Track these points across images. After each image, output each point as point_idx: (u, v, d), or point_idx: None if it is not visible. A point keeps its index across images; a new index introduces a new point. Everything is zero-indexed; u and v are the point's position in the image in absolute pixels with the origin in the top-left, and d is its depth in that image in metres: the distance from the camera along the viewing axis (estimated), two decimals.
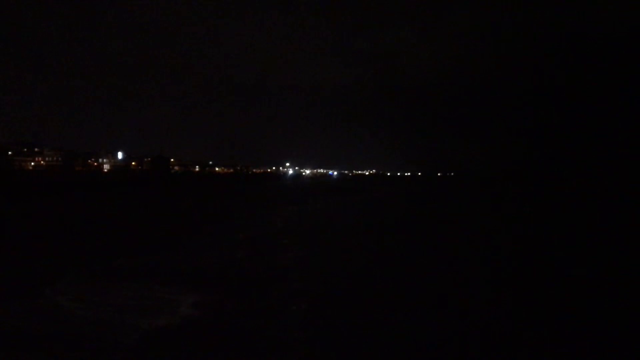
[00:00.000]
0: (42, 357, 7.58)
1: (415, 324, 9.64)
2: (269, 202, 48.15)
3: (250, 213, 34.64)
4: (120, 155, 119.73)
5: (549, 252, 19.20)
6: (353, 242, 21.09)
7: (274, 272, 14.28)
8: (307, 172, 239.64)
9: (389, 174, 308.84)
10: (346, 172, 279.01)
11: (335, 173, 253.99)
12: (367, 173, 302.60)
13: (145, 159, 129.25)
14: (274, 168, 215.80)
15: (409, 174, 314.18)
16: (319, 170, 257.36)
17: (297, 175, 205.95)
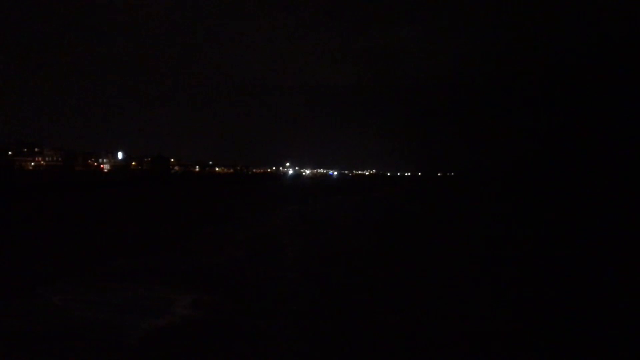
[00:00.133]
0: (42, 357, 7.55)
1: (415, 327, 9.62)
2: (269, 202, 48.17)
3: (251, 213, 34.64)
4: (120, 155, 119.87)
5: (549, 252, 19.19)
6: (353, 243, 21.09)
7: (274, 271, 14.27)
8: (307, 172, 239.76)
9: (389, 174, 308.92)
10: (346, 172, 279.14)
11: (335, 173, 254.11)
12: (367, 173, 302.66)
13: (145, 159, 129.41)
14: (274, 168, 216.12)
15: (409, 174, 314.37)
16: (319, 170, 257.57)
17: (297, 175, 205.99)
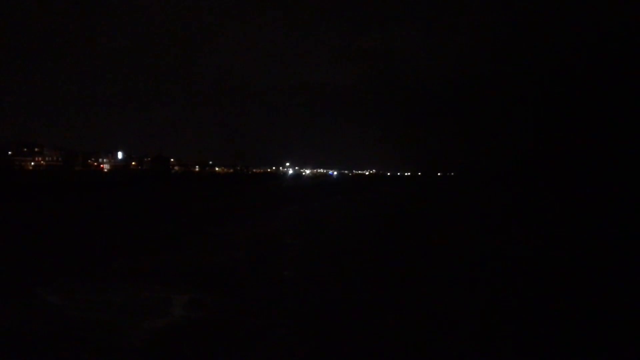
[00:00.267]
0: (41, 358, 7.55)
1: (415, 327, 9.62)
2: (269, 202, 48.17)
3: (251, 213, 34.63)
4: (120, 155, 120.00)
5: (550, 252, 19.19)
6: (354, 243, 21.10)
7: (274, 271, 14.27)
8: (307, 172, 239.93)
9: (389, 173, 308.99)
10: (346, 172, 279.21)
11: (335, 173, 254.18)
12: (367, 173, 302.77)
13: (145, 159, 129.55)
14: (274, 168, 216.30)
15: (409, 173, 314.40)
16: (319, 170, 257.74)
17: (297, 175, 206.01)
